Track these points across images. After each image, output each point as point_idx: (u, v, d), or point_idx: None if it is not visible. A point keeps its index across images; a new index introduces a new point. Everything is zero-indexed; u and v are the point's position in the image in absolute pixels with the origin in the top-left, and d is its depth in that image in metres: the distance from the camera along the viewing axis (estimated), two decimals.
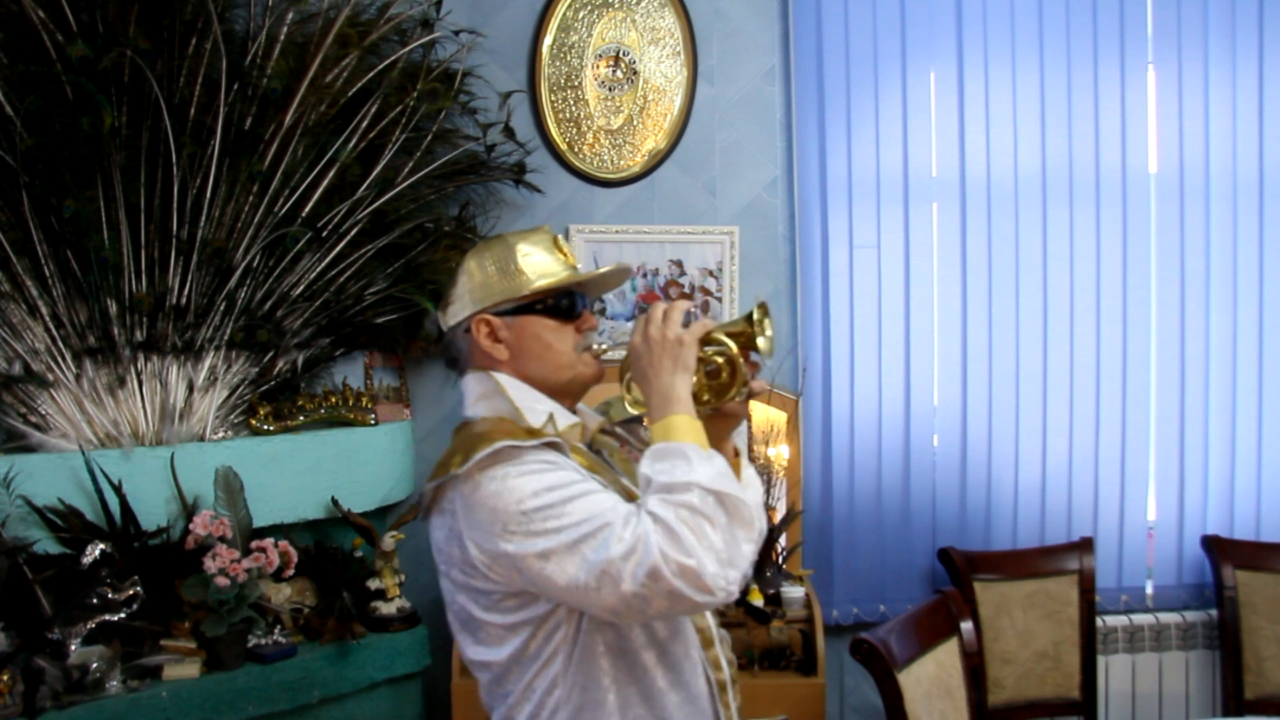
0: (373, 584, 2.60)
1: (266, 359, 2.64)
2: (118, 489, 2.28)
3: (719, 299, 3.02)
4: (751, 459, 2.96)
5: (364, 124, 2.64)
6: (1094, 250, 3.05)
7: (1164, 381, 3.09)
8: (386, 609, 2.58)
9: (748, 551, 1.21)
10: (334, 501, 2.58)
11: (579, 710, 1.32)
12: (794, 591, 2.76)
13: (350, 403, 2.74)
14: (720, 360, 1.39)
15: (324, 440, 2.61)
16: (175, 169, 2.36)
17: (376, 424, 2.76)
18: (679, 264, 3.01)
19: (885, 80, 3.01)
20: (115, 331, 2.39)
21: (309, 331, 2.70)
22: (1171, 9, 3.04)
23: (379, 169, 2.68)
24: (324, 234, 2.62)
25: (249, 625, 2.31)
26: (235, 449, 2.47)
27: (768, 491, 2.86)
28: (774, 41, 3.04)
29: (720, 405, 1.41)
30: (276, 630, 2.42)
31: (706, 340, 1.37)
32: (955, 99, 3.02)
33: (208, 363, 2.52)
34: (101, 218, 2.32)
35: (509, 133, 2.94)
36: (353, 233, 2.66)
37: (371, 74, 2.64)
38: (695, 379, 1.38)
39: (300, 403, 2.67)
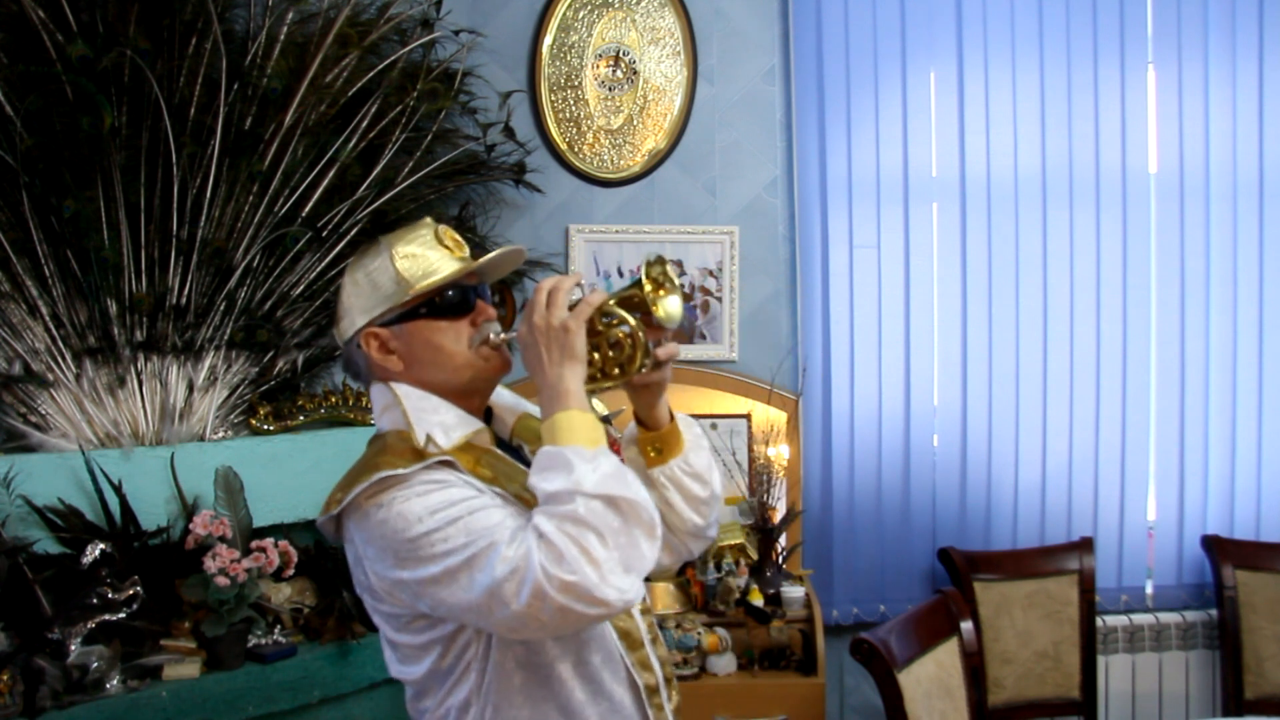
0: None
1: (266, 359, 2.64)
2: (118, 489, 2.28)
3: (719, 299, 3.02)
4: (751, 459, 2.96)
5: (364, 124, 2.64)
6: (1094, 250, 3.05)
7: (1164, 381, 3.09)
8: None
9: (646, 551, 1.16)
10: None
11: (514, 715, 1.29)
12: (794, 591, 2.76)
13: (350, 403, 2.74)
14: (622, 334, 1.32)
15: (324, 440, 2.61)
16: (175, 169, 2.36)
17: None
18: (679, 264, 3.02)
19: (885, 80, 3.02)
20: (115, 331, 2.39)
21: (309, 331, 2.70)
22: (1171, 9, 3.04)
23: (379, 169, 2.68)
24: (324, 234, 2.62)
25: (249, 625, 2.30)
26: (235, 449, 2.47)
27: (768, 491, 2.86)
28: (774, 41, 3.04)
29: (629, 379, 1.34)
30: (276, 630, 2.42)
31: (606, 312, 1.31)
32: (955, 99, 3.03)
33: (208, 363, 2.52)
34: (101, 218, 2.32)
35: (509, 133, 2.94)
36: (353, 233, 2.66)
37: (371, 74, 2.64)
38: (598, 355, 1.32)
39: (300, 403, 2.67)
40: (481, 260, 1.37)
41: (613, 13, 3.00)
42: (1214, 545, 3.01)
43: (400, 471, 1.25)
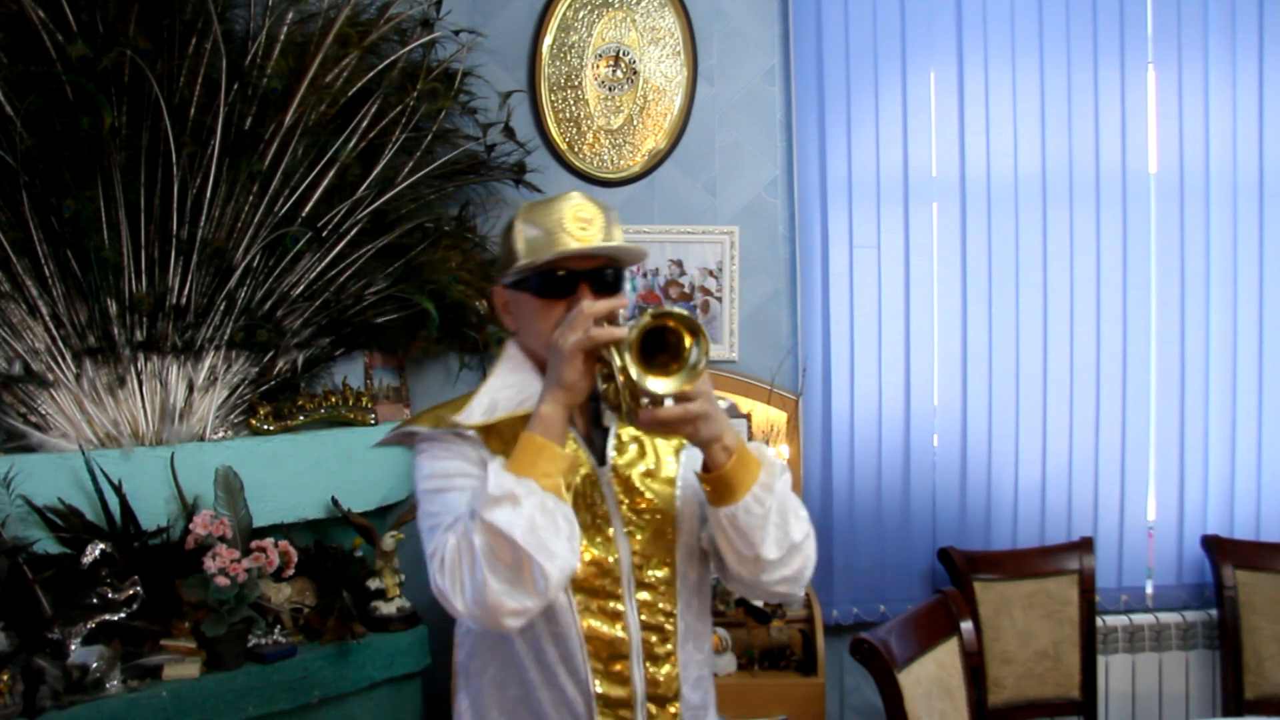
0: (373, 584, 2.60)
1: (266, 359, 2.64)
2: (118, 489, 2.28)
3: (719, 299, 3.02)
4: None
5: (364, 124, 2.64)
6: (1094, 250, 3.05)
7: (1164, 381, 3.09)
8: (386, 609, 2.58)
9: (496, 594, 1.22)
10: (334, 501, 2.58)
11: (485, 666, 1.45)
12: None
13: (350, 403, 2.74)
14: (613, 381, 1.25)
15: (324, 440, 2.61)
16: (175, 169, 2.36)
17: (376, 424, 2.76)
18: (679, 264, 3.01)
19: (885, 80, 3.01)
20: (115, 331, 2.39)
21: (309, 331, 2.70)
22: (1171, 9, 3.04)
23: (379, 169, 2.68)
24: (324, 234, 2.62)
25: (249, 625, 2.31)
26: (235, 449, 2.47)
27: None
28: (774, 41, 3.04)
29: (627, 423, 1.31)
30: (276, 630, 2.42)
31: (601, 355, 1.25)
32: (955, 99, 3.02)
33: (208, 363, 2.53)
34: (101, 218, 2.32)
35: (509, 133, 2.94)
36: (353, 233, 2.66)
37: (371, 74, 2.64)
38: (605, 387, 1.29)
39: (300, 403, 2.67)
40: (577, 250, 1.36)
41: (613, 13, 3.00)
42: (1214, 545, 3.01)
43: (421, 430, 1.42)
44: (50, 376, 2.36)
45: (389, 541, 2.60)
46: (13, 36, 2.23)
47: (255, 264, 2.54)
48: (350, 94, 2.62)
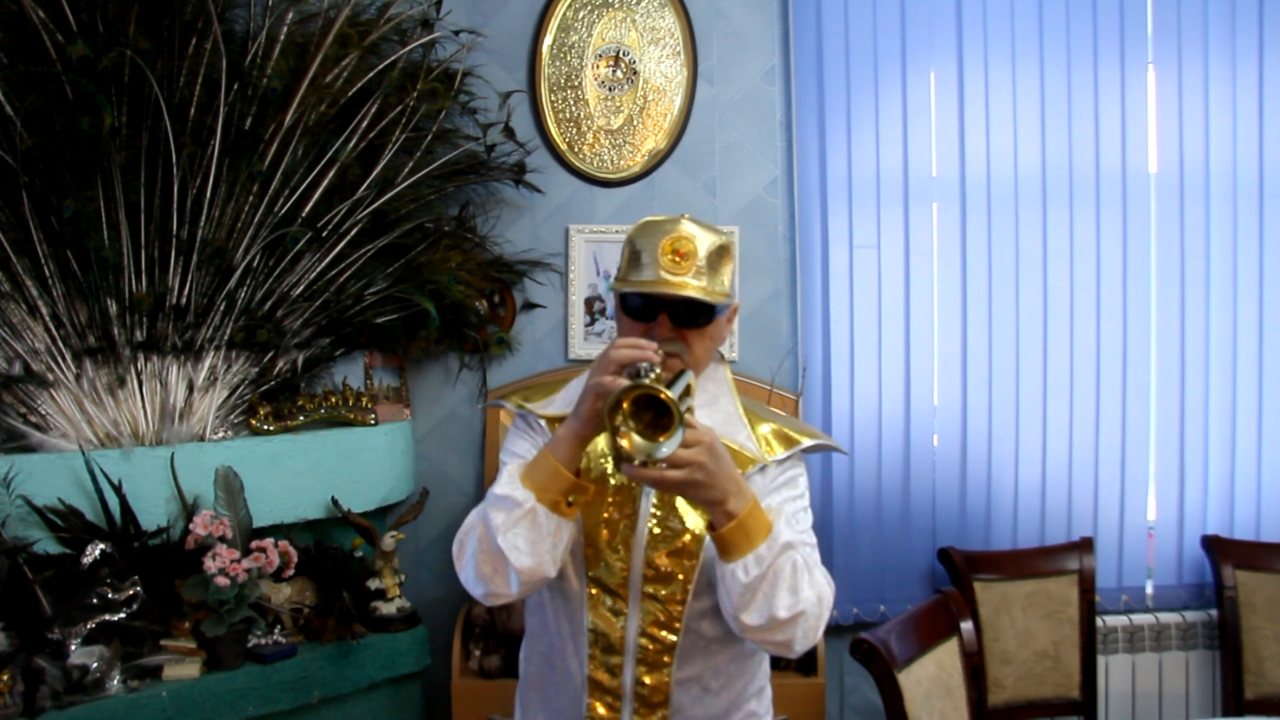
0: (373, 584, 2.60)
1: (266, 359, 2.64)
2: (118, 489, 2.28)
3: None
4: None
5: (364, 124, 2.64)
6: (1094, 250, 3.05)
7: (1164, 381, 3.09)
8: (386, 609, 2.58)
9: (477, 571, 1.41)
10: (334, 501, 2.59)
11: (531, 615, 1.63)
12: None
13: (350, 403, 2.74)
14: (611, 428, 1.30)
15: (324, 440, 2.61)
16: (175, 169, 2.37)
17: (376, 424, 2.76)
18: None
19: (885, 80, 3.01)
20: (115, 331, 2.39)
21: (309, 331, 2.70)
22: (1171, 9, 3.04)
23: (379, 169, 2.68)
24: (324, 234, 2.62)
25: (249, 625, 2.31)
26: (235, 449, 2.47)
27: None
28: (774, 41, 3.04)
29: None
30: (276, 630, 2.42)
31: (609, 402, 1.29)
32: (955, 99, 3.02)
33: (208, 363, 2.53)
34: (101, 218, 2.32)
35: (509, 133, 2.94)
36: (353, 233, 2.66)
37: (371, 74, 2.64)
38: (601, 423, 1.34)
39: (300, 403, 2.67)
40: (650, 291, 1.46)
41: (613, 13, 3.00)
42: (1214, 545, 3.01)
43: (505, 405, 1.65)
44: (50, 376, 2.36)
45: (389, 541, 2.60)
46: (13, 36, 2.23)
47: (255, 264, 2.54)
48: (350, 94, 2.62)
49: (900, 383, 3.04)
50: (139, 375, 2.44)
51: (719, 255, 1.50)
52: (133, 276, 2.38)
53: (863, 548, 3.04)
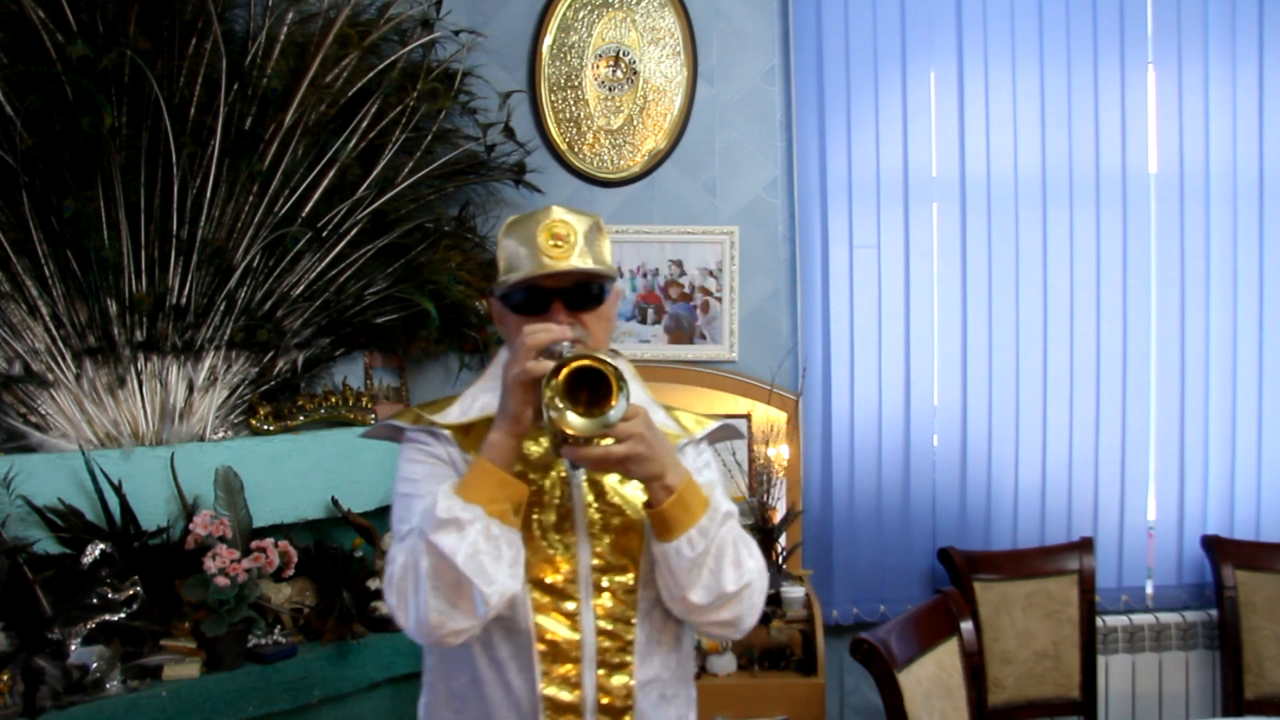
0: (373, 584, 2.59)
1: (266, 359, 2.64)
2: (118, 489, 2.28)
3: (719, 299, 3.02)
4: (751, 459, 2.96)
5: (364, 124, 2.64)
6: (1094, 250, 3.05)
7: (1164, 381, 3.09)
8: (386, 609, 2.58)
9: (435, 608, 1.27)
10: (334, 501, 2.58)
11: (434, 655, 1.53)
12: (794, 591, 2.76)
13: (350, 403, 2.74)
14: (545, 413, 1.24)
15: (324, 440, 2.61)
16: (175, 169, 2.36)
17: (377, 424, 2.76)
18: (679, 264, 3.02)
19: (885, 80, 3.01)
20: (115, 331, 2.39)
21: (309, 331, 2.70)
22: (1171, 9, 3.04)
23: (379, 169, 2.68)
24: (324, 234, 2.62)
25: (249, 625, 2.31)
26: (235, 449, 2.47)
27: (768, 492, 2.86)
28: (774, 41, 3.04)
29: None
30: (276, 630, 2.42)
31: (538, 387, 1.24)
32: (955, 99, 3.03)
33: (208, 363, 2.53)
34: (101, 218, 2.32)
35: (509, 133, 2.94)
36: (353, 233, 2.66)
37: (371, 74, 2.64)
38: (537, 413, 1.27)
39: (300, 403, 2.67)
40: (542, 274, 1.37)
41: (613, 13, 3.00)
42: (1214, 545, 3.01)
43: (401, 425, 1.48)
44: (50, 376, 2.36)
45: (389, 541, 2.59)
46: (13, 36, 2.23)
47: (255, 264, 2.54)
48: (350, 94, 2.62)
49: (900, 383, 3.04)
50: (139, 375, 2.43)
51: (595, 233, 1.43)
52: (133, 276, 2.38)
53: (863, 548, 3.04)
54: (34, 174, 2.23)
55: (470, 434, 1.42)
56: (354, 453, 2.66)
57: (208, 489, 2.40)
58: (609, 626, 1.39)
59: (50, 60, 2.22)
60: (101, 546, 2.21)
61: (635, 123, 3.02)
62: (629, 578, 1.40)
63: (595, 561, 1.39)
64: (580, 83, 3.00)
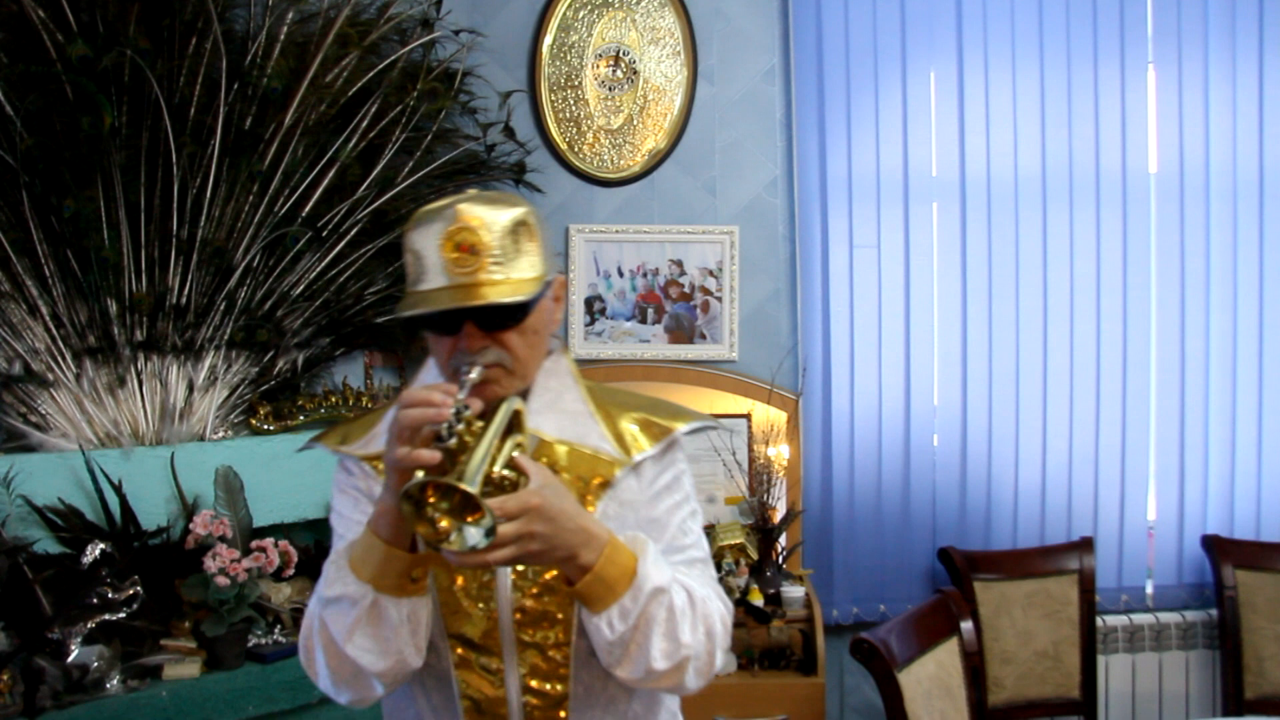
0: None
1: (266, 359, 2.64)
2: (118, 489, 2.28)
3: (719, 299, 3.02)
4: (751, 459, 2.96)
5: (364, 124, 2.64)
6: (1094, 250, 3.05)
7: (1164, 381, 3.09)
8: None
9: (335, 679, 1.21)
10: None
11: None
12: (794, 591, 2.76)
13: (350, 403, 2.74)
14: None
15: None
16: (175, 169, 2.36)
17: None
18: (679, 264, 3.02)
19: (885, 80, 3.01)
20: (115, 331, 2.39)
21: (309, 331, 2.70)
22: (1171, 9, 3.04)
23: (379, 169, 2.68)
24: (324, 234, 2.62)
25: (249, 625, 2.31)
26: (235, 449, 2.47)
27: (768, 491, 2.86)
28: (774, 41, 3.04)
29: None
30: (276, 630, 2.42)
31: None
32: (955, 99, 3.02)
33: (208, 362, 2.53)
34: (101, 218, 2.32)
35: (509, 132, 2.94)
36: (353, 233, 2.66)
37: (371, 74, 2.64)
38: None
39: (300, 403, 2.67)
40: (433, 310, 1.19)
41: (613, 13, 3.00)
42: (1214, 545, 3.01)
43: (324, 448, 1.36)
44: (50, 376, 2.36)
45: None
46: (13, 36, 2.23)
47: (255, 264, 2.54)
48: (350, 94, 2.62)
49: (900, 383, 3.04)
50: (139, 375, 2.44)
51: (515, 235, 1.20)
52: (133, 276, 2.38)
53: (863, 548, 3.04)
54: (34, 174, 2.23)
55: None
56: None
57: (208, 489, 2.40)
58: (535, 684, 1.27)
59: (50, 60, 2.22)
60: (101, 546, 2.21)
61: (635, 122, 3.02)
62: (557, 631, 1.26)
63: (517, 616, 1.25)
64: (580, 82, 3.00)
